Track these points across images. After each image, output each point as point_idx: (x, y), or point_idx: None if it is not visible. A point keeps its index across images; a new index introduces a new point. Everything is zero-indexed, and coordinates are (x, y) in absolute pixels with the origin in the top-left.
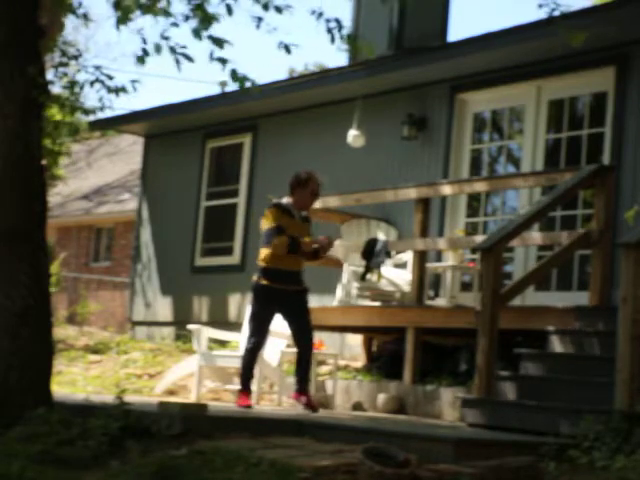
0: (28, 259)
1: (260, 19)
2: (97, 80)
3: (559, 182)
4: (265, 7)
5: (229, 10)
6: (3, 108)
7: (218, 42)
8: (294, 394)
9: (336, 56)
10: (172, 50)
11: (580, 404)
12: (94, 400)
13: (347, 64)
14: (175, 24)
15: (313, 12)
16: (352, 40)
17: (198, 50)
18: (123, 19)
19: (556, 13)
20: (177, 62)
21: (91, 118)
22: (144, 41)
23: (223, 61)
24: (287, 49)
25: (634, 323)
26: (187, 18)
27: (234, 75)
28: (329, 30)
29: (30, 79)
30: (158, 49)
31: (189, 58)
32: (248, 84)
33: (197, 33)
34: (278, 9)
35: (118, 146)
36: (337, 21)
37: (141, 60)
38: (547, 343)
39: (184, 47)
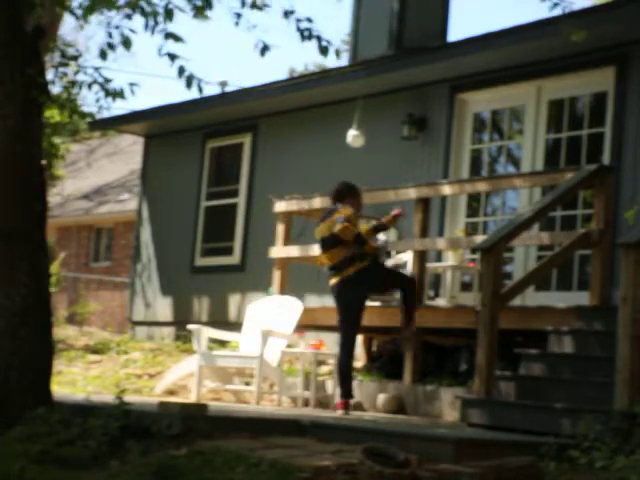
0: (28, 259)
1: (239, 15)
2: (95, 82)
3: (559, 182)
4: (242, 3)
5: (209, 3)
6: (3, 108)
7: (172, 36)
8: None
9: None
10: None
11: (580, 404)
12: (94, 400)
13: (347, 64)
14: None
15: (285, 13)
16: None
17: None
18: (89, 10)
19: (558, 9)
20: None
21: (89, 120)
22: (110, 35)
23: (172, 57)
24: (263, 50)
25: (634, 323)
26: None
27: (181, 72)
28: (299, 29)
29: (30, 79)
30: (127, 44)
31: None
32: (197, 83)
33: (150, 28)
34: (256, 6)
35: (118, 146)
36: (308, 20)
37: (104, 55)
38: (547, 343)
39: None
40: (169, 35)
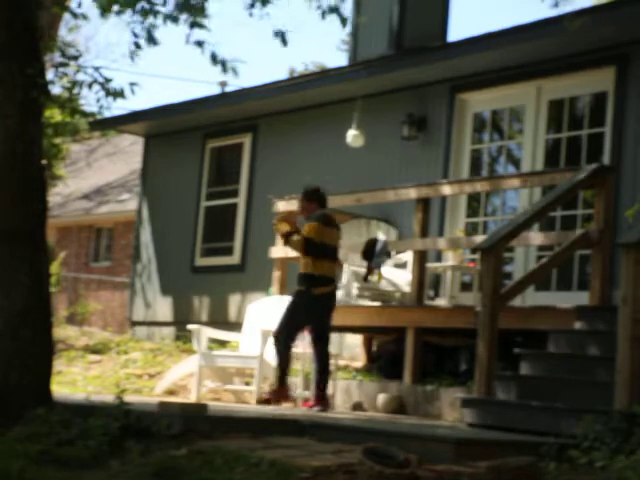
0: (28, 259)
1: (252, 5)
2: (95, 81)
3: (559, 182)
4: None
5: None
6: (3, 108)
7: (197, 24)
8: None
9: (336, 56)
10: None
11: (580, 404)
12: (94, 400)
13: (347, 64)
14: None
15: None
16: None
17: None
18: (107, 7)
19: (558, 8)
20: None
21: (90, 119)
22: (135, 35)
23: (200, 44)
24: (283, 39)
25: (634, 323)
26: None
27: (214, 58)
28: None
29: (30, 79)
30: (151, 39)
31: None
32: (230, 68)
33: (174, 18)
34: None
35: (118, 146)
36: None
37: (133, 55)
38: (547, 343)
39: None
40: (194, 24)
